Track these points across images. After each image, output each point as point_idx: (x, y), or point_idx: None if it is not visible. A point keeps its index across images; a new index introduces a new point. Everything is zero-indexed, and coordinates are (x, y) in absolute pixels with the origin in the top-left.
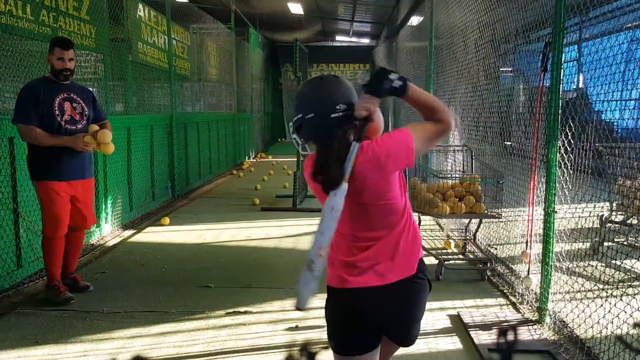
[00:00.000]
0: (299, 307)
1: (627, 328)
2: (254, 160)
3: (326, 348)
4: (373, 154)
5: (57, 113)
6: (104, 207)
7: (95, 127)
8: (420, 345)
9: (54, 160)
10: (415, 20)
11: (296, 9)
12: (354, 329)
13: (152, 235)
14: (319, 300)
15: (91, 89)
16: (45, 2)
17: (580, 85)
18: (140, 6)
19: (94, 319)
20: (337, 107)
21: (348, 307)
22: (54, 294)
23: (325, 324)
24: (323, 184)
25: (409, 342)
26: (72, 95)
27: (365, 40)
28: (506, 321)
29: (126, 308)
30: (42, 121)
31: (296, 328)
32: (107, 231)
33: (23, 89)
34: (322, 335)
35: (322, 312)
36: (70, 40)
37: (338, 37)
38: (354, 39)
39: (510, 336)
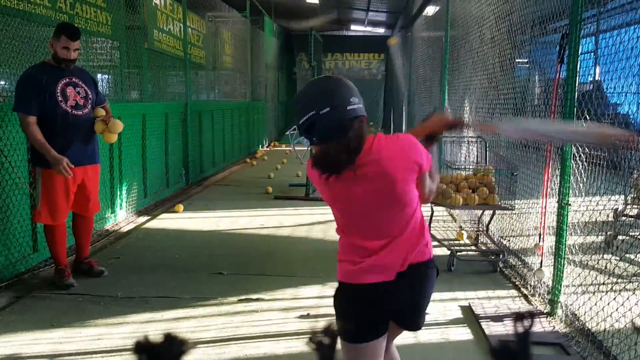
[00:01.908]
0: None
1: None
2: (268, 149)
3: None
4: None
5: (60, 99)
6: (118, 193)
7: (102, 111)
8: (431, 336)
9: (65, 145)
10: (431, 9)
11: None
12: (372, 319)
13: (166, 222)
14: (330, 289)
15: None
16: None
17: (597, 78)
18: None
19: (108, 304)
20: (351, 99)
21: (369, 300)
22: (58, 277)
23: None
24: (326, 165)
25: (417, 327)
26: (74, 79)
27: (381, 30)
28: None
29: (140, 293)
30: (45, 110)
31: (307, 316)
32: (121, 217)
33: (23, 76)
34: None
35: (332, 301)
36: (79, 30)
37: (353, 26)
38: (369, 28)
39: (526, 323)
